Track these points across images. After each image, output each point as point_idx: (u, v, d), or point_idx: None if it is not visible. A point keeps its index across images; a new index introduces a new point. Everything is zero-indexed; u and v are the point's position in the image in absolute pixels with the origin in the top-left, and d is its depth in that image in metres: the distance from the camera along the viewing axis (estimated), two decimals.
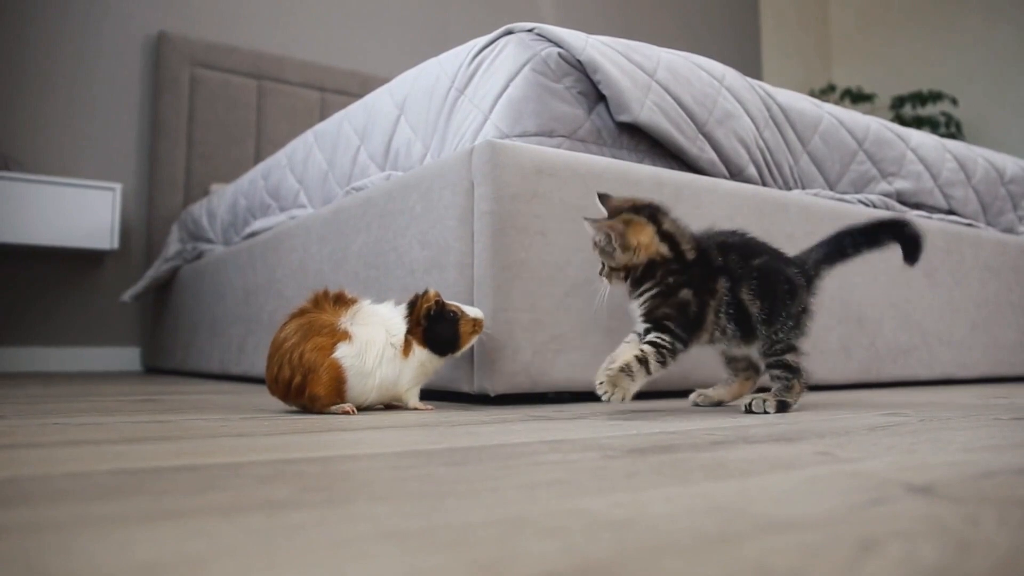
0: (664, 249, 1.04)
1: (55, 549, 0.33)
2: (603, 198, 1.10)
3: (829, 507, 0.41)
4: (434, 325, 1.10)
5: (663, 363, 1.01)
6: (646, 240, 1.03)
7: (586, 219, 1.06)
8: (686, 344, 1.04)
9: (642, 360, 0.99)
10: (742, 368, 1.16)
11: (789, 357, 1.07)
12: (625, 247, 1.03)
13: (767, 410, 1.04)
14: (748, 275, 1.06)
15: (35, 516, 0.40)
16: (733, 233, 1.12)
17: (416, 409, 1.11)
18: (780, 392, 1.06)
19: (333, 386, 1.02)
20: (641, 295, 1.05)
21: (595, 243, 1.07)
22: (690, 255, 1.06)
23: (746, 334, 1.07)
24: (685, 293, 1.03)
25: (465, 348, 1.14)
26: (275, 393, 1.06)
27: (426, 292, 1.12)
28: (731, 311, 1.06)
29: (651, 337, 1.02)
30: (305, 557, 0.32)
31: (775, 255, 1.11)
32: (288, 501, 0.43)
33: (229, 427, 0.85)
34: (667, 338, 1.01)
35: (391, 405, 1.14)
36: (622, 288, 1.08)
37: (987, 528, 0.37)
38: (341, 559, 0.31)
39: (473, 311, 1.14)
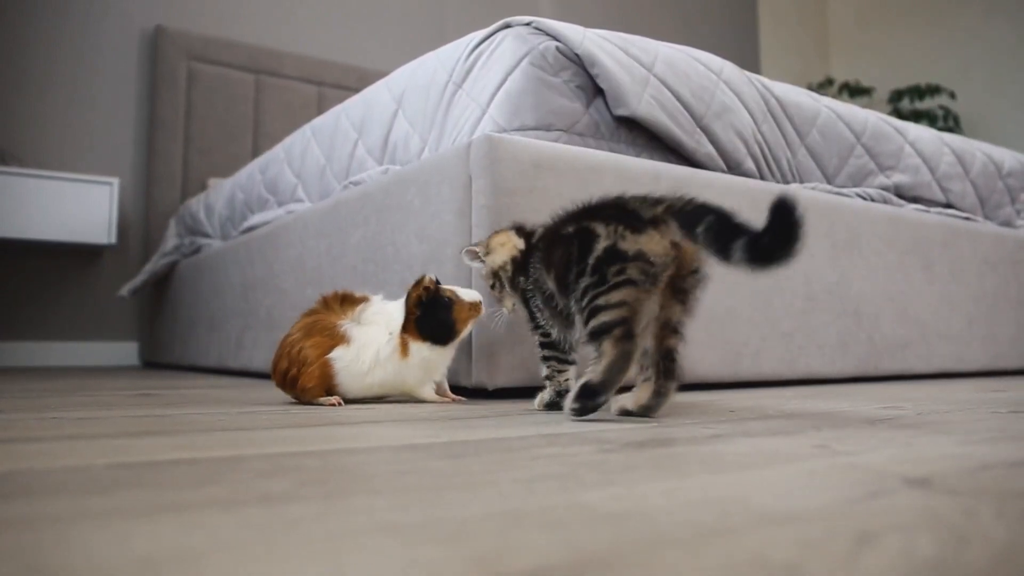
0: (519, 243, 1.05)
1: (53, 543, 0.33)
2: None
3: (827, 500, 0.42)
4: (427, 313, 1.08)
5: (546, 362, 1.04)
6: (503, 239, 1.06)
7: (462, 252, 1.12)
8: (540, 329, 1.02)
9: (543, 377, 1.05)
10: (653, 355, 0.91)
11: (592, 323, 0.85)
12: (488, 252, 1.07)
13: (567, 413, 0.86)
14: (547, 247, 0.96)
15: (33, 510, 0.40)
16: (600, 200, 0.95)
17: (435, 402, 1.11)
18: (588, 372, 0.86)
19: (322, 382, 1.08)
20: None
21: (484, 277, 1.10)
22: (535, 239, 1.04)
23: (562, 317, 0.97)
24: (521, 281, 1.04)
25: (464, 334, 1.11)
26: (275, 380, 1.13)
27: (419, 279, 1.09)
28: (539, 288, 0.99)
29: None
30: (304, 550, 0.32)
31: (598, 213, 0.91)
32: (287, 495, 0.43)
33: (227, 421, 0.85)
34: (535, 335, 1.05)
35: (412, 398, 1.14)
36: (511, 301, 1.07)
37: (985, 521, 0.37)
38: (339, 552, 0.31)
39: (469, 294, 1.12)
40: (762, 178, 1.64)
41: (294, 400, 1.13)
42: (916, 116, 4.63)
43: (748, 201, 1.52)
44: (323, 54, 3.84)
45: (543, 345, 1.04)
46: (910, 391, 1.38)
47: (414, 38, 4.07)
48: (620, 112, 1.40)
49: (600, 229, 0.87)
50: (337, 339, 1.08)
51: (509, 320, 1.12)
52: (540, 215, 1.22)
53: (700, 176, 1.46)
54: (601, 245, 0.86)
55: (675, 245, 0.85)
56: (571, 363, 1.04)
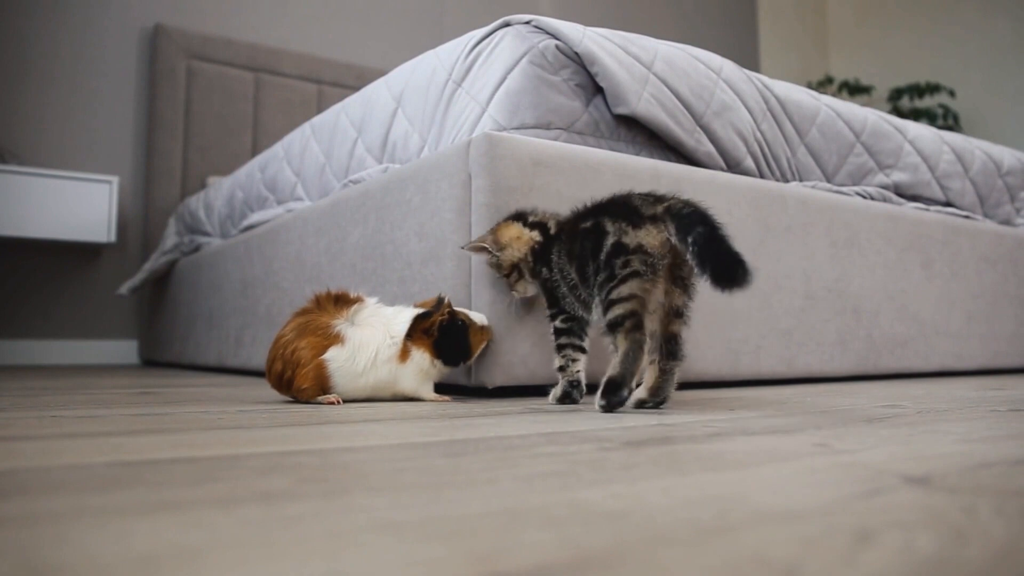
0: (535, 235, 1.10)
1: (52, 540, 0.33)
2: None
3: (826, 498, 0.42)
4: (448, 336, 1.11)
5: (561, 350, 1.08)
6: (515, 233, 1.11)
7: (463, 248, 1.16)
8: (563, 314, 1.07)
9: (556, 368, 1.09)
10: (650, 348, 0.97)
11: (608, 316, 0.93)
12: (501, 247, 1.10)
13: (598, 408, 0.92)
14: (568, 240, 1.03)
15: (33, 508, 0.40)
16: (611, 196, 1.02)
17: (432, 400, 1.13)
18: (610, 368, 0.92)
19: (318, 382, 1.08)
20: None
21: (489, 265, 1.14)
22: (554, 231, 1.10)
23: (584, 304, 1.05)
24: (545, 272, 1.09)
25: (475, 357, 1.16)
26: (270, 382, 1.12)
27: (441, 301, 1.12)
28: (565, 276, 1.05)
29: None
30: (302, 548, 0.32)
31: (608, 210, 0.98)
32: (286, 493, 0.43)
33: (226, 419, 0.85)
34: (552, 328, 1.10)
35: (406, 398, 1.15)
36: (532, 289, 1.14)
37: (984, 518, 0.37)
38: (338, 550, 0.31)
39: (479, 317, 1.15)
40: (762, 176, 1.64)
41: (291, 399, 1.13)
42: (916, 114, 4.63)
43: (748, 199, 1.52)
44: (322, 52, 3.84)
45: (560, 332, 1.09)
46: (909, 389, 1.38)
47: (413, 36, 4.07)
48: (620, 110, 1.40)
49: (608, 226, 0.95)
50: (331, 339, 1.08)
51: (521, 302, 1.18)
52: None
53: (700, 174, 1.46)
54: (609, 241, 0.94)
55: (669, 239, 0.93)
56: (584, 351, 1.09)
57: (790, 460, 0.55)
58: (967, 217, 2.08)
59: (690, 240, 0.88)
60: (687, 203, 0.94)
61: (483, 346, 1.16)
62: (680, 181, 1.41)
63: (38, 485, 0.46)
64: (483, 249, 1.12)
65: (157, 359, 3.02)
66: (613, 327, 0.92)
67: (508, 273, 1.12)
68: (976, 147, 2.23)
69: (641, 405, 0.97)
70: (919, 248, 1.87)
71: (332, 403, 1.08)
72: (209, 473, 0.50)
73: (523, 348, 1.20)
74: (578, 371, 1.08)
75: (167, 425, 0.78)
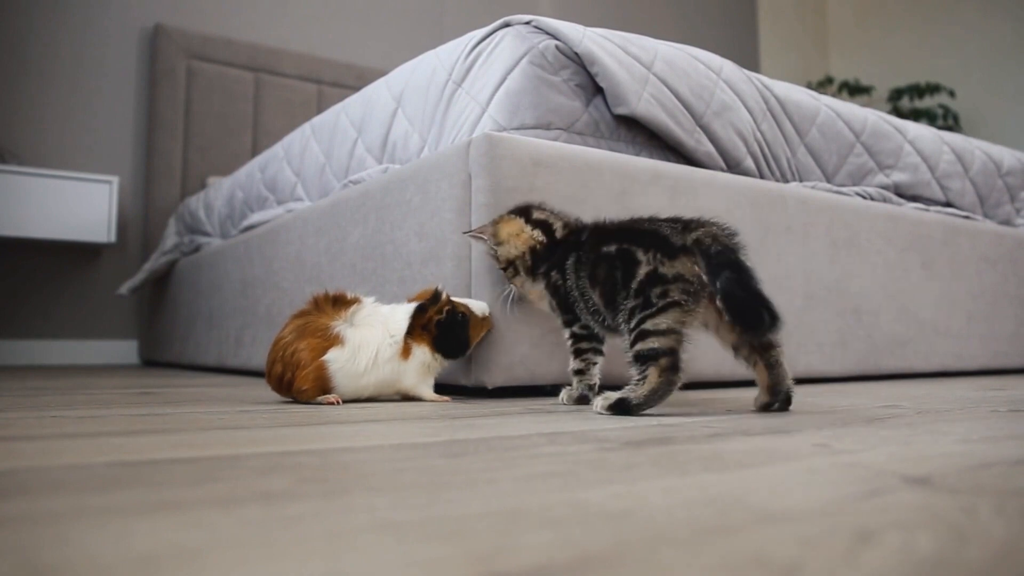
0: (537, 234, 1.09)
1: (52, 540, 0.33)
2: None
3: (826, 498, 0.41)
4: (446, 332, 1.12)
5: (580, 355, 1.07)
6: (515, 229, 1.09)
7: (464, 232, 1.16)
8: (578, 323, 1.06)
9: (571, 371, 1.09)
10: (743, 356, 0.98)
11: (639, 346, 0.90)
12: (499, 242, 1.10)
13: (597, 410, 0.91)
14: (590, 261, 1.01)
15: (33, 508, 0.40)
16: (633, 220, 1.02)
17: (433, 401, 1.13)
18: (625, 390, 0.90)
19: (318, 383, 1.08)
20: (544, 289, 1.10)
21: (487, 253, 1.14)
22: (560, 234, 1.09)
23: (606, 328, 1.03)
24: (554, 276, 1.07)
25: (472, 348, 1.16)
26: (270, 384, 1.12)
27: (437, 295, 1.12)
28: (583, 296, 1.03)
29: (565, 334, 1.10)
30: (302, 548, 0.32)
31: (635, 238, 0.96)
32: (286, 493, 0.43)
33: (226, 419, 0.84)
34: (566, 332, 1.09)
35: (408, 397, 1.15)
36: (529, 286, 1.12)
37: (984, 519, 0.37)
38: (338, 550, 0.31)
39: (479, 307, 1.16)
40: (761, 177, 1.64)
41: (291, 400, 1.13)
42: (915, 115, 4.63)
43: (748, 200, 1.52)
44: (322, 52, 3.84)
45: (579, 337, 1.07)
46: (909, 389, 1.38)
47: (413, 36, 4.07)
48: (620, 111, 1.40)
49: (640, 255, 0.94)
50: (331, 341, 1.08)
51: (517, 297, 1.17)
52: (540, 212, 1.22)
53: (699, 175, 1.46)
54: (643, 271, 0.92)
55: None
56: (603, 354, 1.09)
57: (790, 460, 0.55)
58: (967, 217, 2.08)
59: (718, 285, 0.88)
60: (715, 238, 0.92)
61: (482, 335, 1.16)
62: (680, 181, 1.41)
63: (38, 485, 0.46)
64: (480, 240, 1.14)
65: (157, 359, 3.02)
66: (645, 359, 0.89)
67: (504, 267, 1.12)
68: (976, 147, 2.23)
69: (767, 408, 0.95)
70: (919, 248, 1.87)
71: (332, 403, 1.08)
72: (209, 473, 0.50)
73: (523, 348, 1.20)
74: (596, 375, 1.08)
75: (167, 425, 0.78)
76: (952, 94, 4.64)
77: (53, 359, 3.10)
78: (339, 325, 1.10)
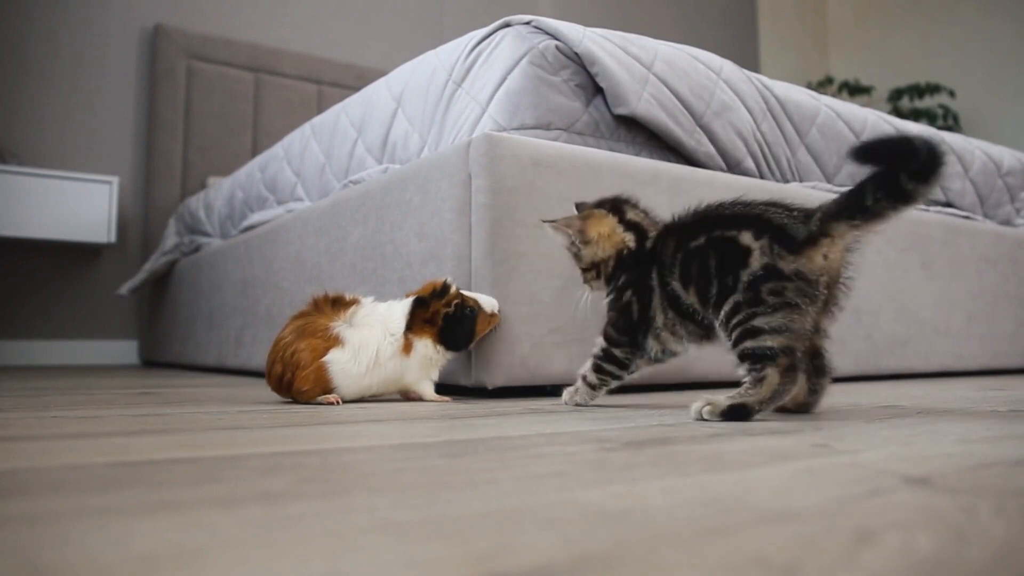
0: (629, 239, 0.98)
1: (52, 540, 0.33)
2: (579, 207, 1.06)
3: (826, 498, 0.41)
4: (452, 325, 1.12)
5: (602, 373, 0.98)
6: (606, 230, 0.98)
7: (543, 221, 1.04)
8: (631, 348, 0.96)
9: (584, 376, 1.01)
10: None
11: (749, 344, 0.83)
12: (586, 241, 0.99)
13: (704, 416, 0.83)
14: (677, 259, 0.92)
15: (33, 508, 0.40)
16: (700, 210, 0.94)
17: (433, 401, 1.13)
18: (739, 394, 0.84)
19: (319, 384, 1.08)
20: (608, 296, 1.00)
21: (567, 248, 1.03)
22: (649, 244, 0.97)
23: (705, 329, 0.93)
24: (628, 294, 0.97)
25: (475, 342, 1.16)
26: (270, 384, 1.13)
27: (446, 288, 1.11)
28: (673, 304, 0.93)
29: (595, 348, 1.00)
30: (302, 548, 0.32)
31: (735, 220, 0.88)
32: (286, 493, 0.43)
33: (226, 420, 0.85)
34: (604, 346, 0.98)
35: (408, 394, 1.15)
36: (601, 291, 1.03)
37: (984, 519, 0.37)
38: (338, 550, 0.31)
39: (489, 302, 1.15)
40: (761, 177, 1.64)
41: (291, 400, 1.13)
42: (916, 115, 4.63)
43: None
44: (322, 52, 3.84)
45: (612, 360, 0.98)
46: (909, 389, 1.38)
47: (413, 36, 4.07)
48: (620, 111, 1.40)
49: (751, 243, 0.85)
50: (331, 341, 1.08)
51: (592, 300, 1.09)
52: (540, 213, 1.22)
53: (699, 175, 1.46)
54: (758, 263, 0.84)
55: (826, 257, 0.84)
56: (621, 380, 1.01)
57: (790, 461, 0.55)
58: (967, 217, 2.08)
59: (869, 203, 0.82)
60: (831, 200, 0.85)
61: (488, 330, 1.16)
62: (680, 182, 1.41)
63: (38, 485, 0.46)
64: (564, 233, 1.01)
65: (157, 359, 3.02)
66: (760, 358, 0.83)
67: (585, 268, 1.02)
68: (976, 147, 2.23)
69: (783, 411, 0.92)
70: (919, 248, 1.87)
71: (332, 403, 1.08)
72: (209, 473, 0.50)
73: (523, 349, 1.20)
74: (600, 396, 1.03)
75: (167, 425, 0.78)
76: (952, 94, 4.64)
77: (53, 359, 3.10)
78: (339, 326, 1.10)
